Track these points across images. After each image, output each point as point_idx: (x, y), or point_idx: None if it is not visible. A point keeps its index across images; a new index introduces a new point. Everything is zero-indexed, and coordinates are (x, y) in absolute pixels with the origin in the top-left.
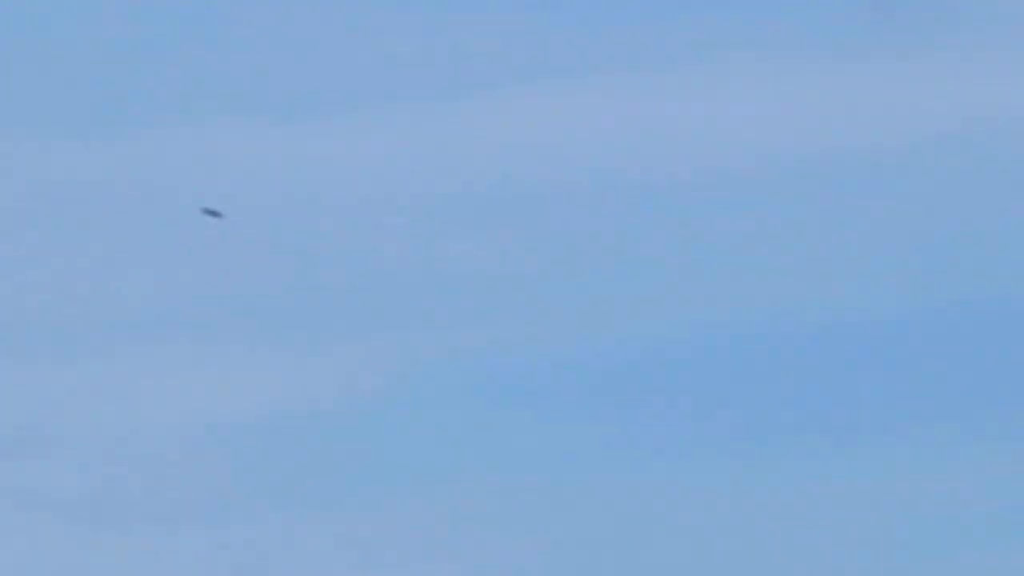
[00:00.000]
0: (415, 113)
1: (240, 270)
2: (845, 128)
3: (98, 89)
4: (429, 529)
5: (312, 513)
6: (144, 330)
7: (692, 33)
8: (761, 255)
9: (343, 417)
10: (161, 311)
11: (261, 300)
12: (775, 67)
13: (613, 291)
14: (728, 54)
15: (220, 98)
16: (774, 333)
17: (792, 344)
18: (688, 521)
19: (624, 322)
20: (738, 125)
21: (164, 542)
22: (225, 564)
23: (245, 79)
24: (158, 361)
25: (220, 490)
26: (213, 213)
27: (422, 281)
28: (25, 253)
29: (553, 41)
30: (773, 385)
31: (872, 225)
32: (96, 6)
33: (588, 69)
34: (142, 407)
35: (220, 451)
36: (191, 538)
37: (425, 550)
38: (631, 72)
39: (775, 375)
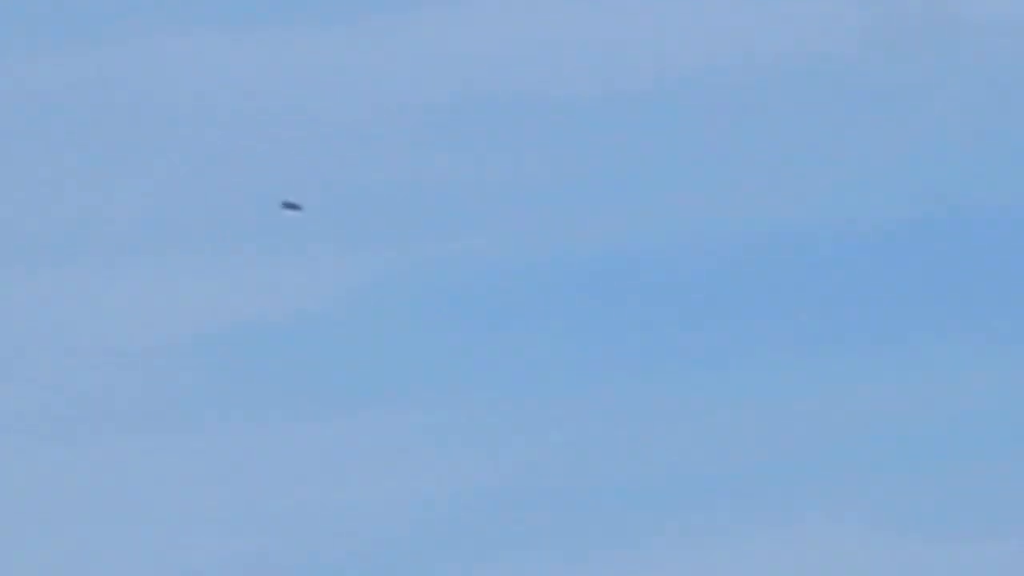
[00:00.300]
0: (377, 24)
1: (211, 183)
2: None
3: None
4: (401, 438)
5: (283, 422)
6: (114, 242)
7: None
8: (744, 164)
9: (316, 327)
10: (132, 224)
11: (230, 213)
12: None
13: (584, 201)
14: None
15: (193, 10)
16: (756, 243)
17: (778, 253)
18: (664, 431)
19: (596, 233)
20: (700, 34)
21: (136, 450)
22: (195, 471)
23: None
24: (130, 272)
25: (190, 400)
26: (293, 206)
27: (394, 192)
28: None
29: None
30: (755, 297)
31: (866, 135)
32: None
33: None
34: (114, 318)
35: (191, 361)
36: (164, 446)
37: (398, 458)
38: None
39: (758, 285)
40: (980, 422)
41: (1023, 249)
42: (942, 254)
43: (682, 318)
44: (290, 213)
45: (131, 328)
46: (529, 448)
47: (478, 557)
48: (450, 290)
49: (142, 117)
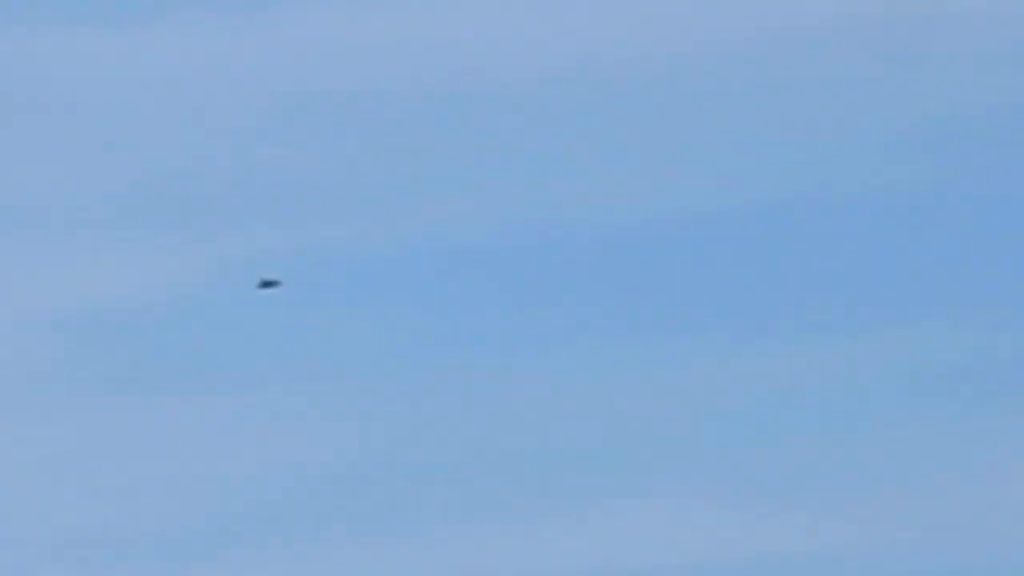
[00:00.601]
0: (234, 20)
1: (80, 168)
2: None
3: None
4: (272, 418)
5: (153, 401)
6: None
7: None
8: (583, 157)
9: (184, 309)
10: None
11: (101, 197)
12: None
13: (422, 193)
14: None
15: (51, 7)
16: (593, 233)
17: (617, 241)
18: (504, 413)
19: (432, 224)
20: (552, 33)
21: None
22: (60, 450)
23: None
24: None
25: (59, 379)
26: (270, 284)
27: (262, 180)
28: None
29: None
30: (591, 282)
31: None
32: None
33: None
34: None
35: (62, 341)
36: (32, 425)
37: (267, 437)
38: None
39: (592, 272)
40: (815, 401)
41: (863, 236)
42: (784, 242)
43: (520, 304)
44: (267, 291)
45: (15, 308)
46: (370, 429)
47: (318, 533)
48: (294, 276)
49: (6, 105)
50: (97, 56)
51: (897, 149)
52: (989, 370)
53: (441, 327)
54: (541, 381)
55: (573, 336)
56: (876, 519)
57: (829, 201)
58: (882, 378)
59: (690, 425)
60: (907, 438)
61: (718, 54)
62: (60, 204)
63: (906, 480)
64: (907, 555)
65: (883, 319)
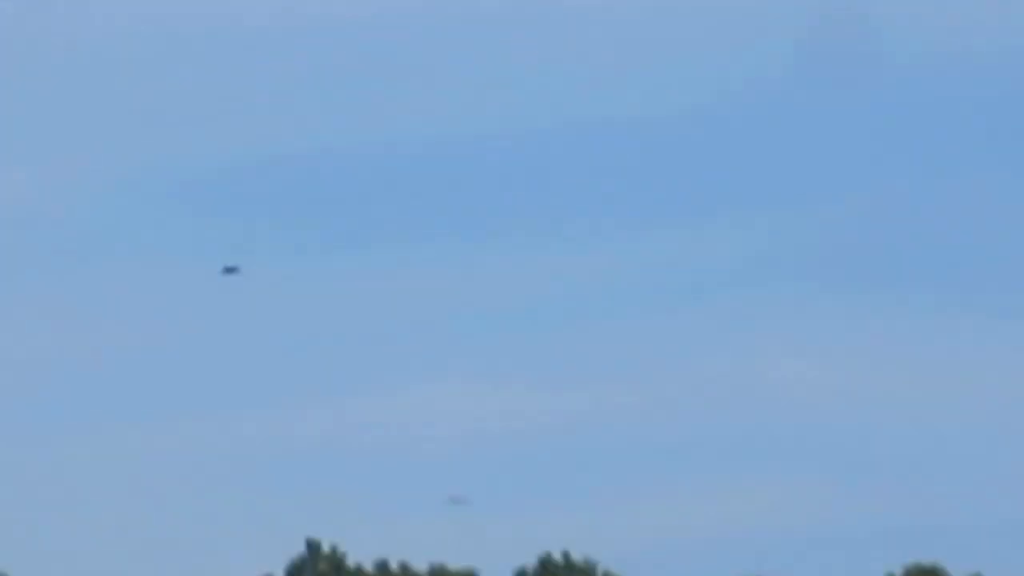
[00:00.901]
0: None
1: None
2: None
3: None
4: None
5: None
6: None
7: None
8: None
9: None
10: None
11: None
12: None
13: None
14: None
15: None
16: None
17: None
18: (287, 305)
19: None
20: None
21: None
22: None
23: None
24: None
25: None
26: (231, 270)
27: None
28: None
29: None
30: (376, 193)
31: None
32: None
33: None
34: None
35: None
36: None
37: (90, 322)
38: None
39: (376, 186)
40: (583, 296)
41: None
42: (569, 155)
43: (321, 209)
44: (230, 276)
45: None
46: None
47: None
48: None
49: None
50: None
51: (701, 73)
52: (715, 270)
53: (258, 232)
54: (350, 277)
55: (375, 237)
56: (629, 396)
57: (627, 115)
58: (640, 276)
59: (474, 317)
60: (657, 328)
61: None
62: None
63: (655, 362)
64: (656, 424)
65: (650, 223)
